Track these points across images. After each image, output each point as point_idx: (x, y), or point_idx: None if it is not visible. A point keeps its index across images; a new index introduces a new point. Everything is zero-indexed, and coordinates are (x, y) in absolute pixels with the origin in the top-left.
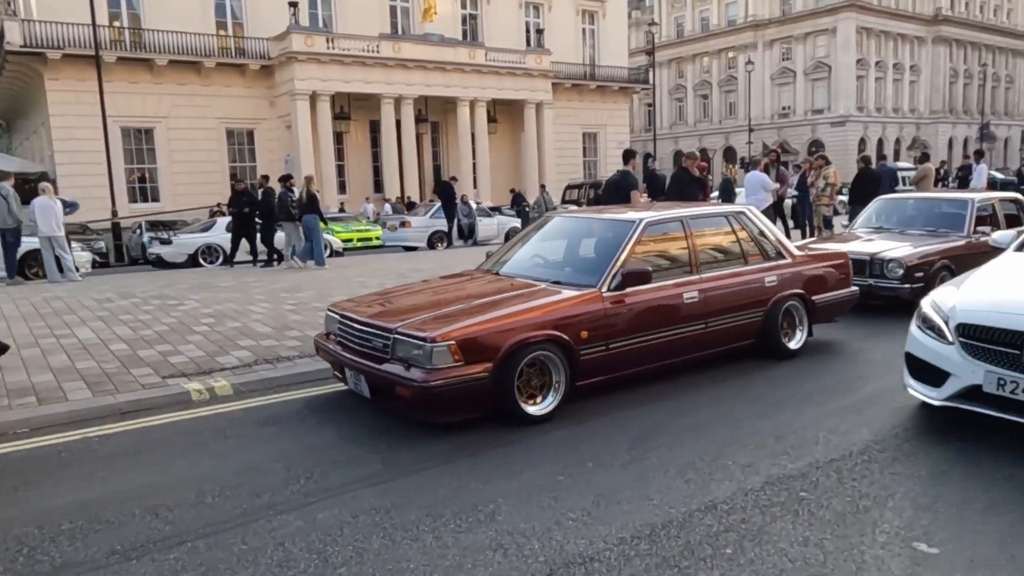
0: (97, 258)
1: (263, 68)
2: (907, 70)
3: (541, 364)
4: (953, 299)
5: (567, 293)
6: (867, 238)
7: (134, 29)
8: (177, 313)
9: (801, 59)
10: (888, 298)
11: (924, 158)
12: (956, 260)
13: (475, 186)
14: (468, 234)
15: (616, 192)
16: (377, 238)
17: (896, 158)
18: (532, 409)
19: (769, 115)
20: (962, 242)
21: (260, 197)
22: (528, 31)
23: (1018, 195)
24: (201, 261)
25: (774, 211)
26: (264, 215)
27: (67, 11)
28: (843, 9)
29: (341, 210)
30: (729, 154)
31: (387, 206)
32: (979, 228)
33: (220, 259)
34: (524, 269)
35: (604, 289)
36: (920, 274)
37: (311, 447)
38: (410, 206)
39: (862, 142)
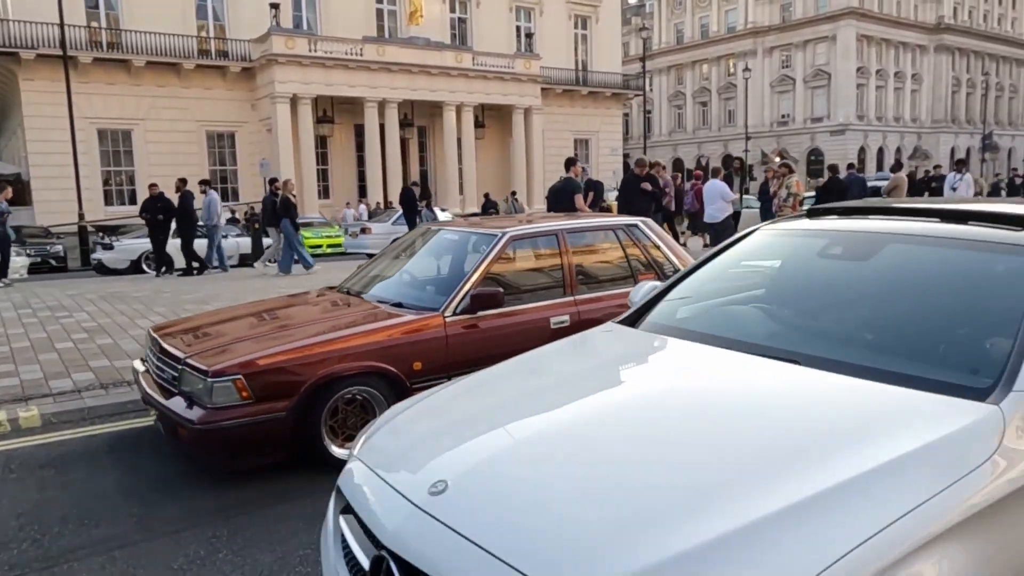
0: (53, 262)
1: (244, 70)
2: (908, 78)
3: (364, 401)
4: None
5: (405, 318)
6: None
7: (112, 29)
8: (55, 326)
9: (801, 67)
10: None
11: (897, 167)
12: None
13: (461, 192)
14: None
15: (559, 199)
16: None
17: (897, 167)
18: (346, 453)
19: (768, 123)
20: None
21: (177, 202)
22: (519, 36)
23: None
24: (144, 267)
25: (735, 221)
26: (182, 221)
27: (42, 11)
28: (843, 16)
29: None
30: (727, 162)
31: (349, 212)
32: None
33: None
34: (382, 288)
35: (448, 313)
36: None
37: (75, 497)
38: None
39: (862, 151)
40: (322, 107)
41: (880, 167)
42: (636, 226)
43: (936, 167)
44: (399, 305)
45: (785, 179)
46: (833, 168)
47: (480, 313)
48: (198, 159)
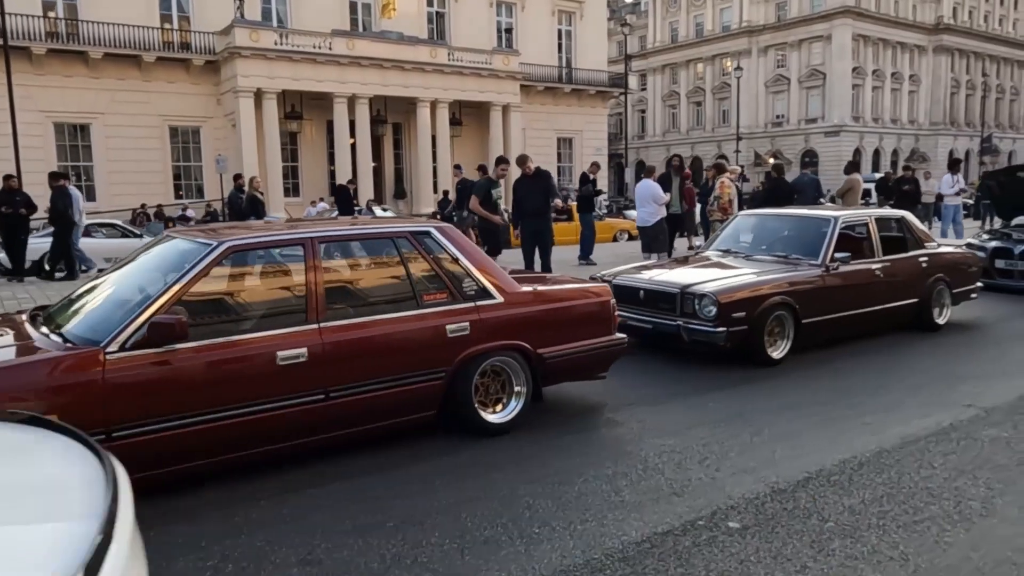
0: None
1: (209, 64)
2: (906, 79)
3: None
4: None
5: (48, 354)
6: (701, 264)
7: (70, 20)
8: None
9: (796, 66)
10: (702, 345)
11: (851, 168)
12: (801, 297)
13: (435, 191)
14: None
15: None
16: None
17: (852, 169)
18: None
19: (763, 123)
20: (812, 273)
21: (51, 198)
22: (500, 31)
23: (905, 214)
24: (46, 267)
25: (671, 226)
26: (53, 219)
27: None
28: (838, 16)
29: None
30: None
31: (312, 210)
32: (838, 255)
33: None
34: (70, 315)
35: (114, 348)
36: (741, 314)
37: None
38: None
39: (857, 152)
40: (290, 102)
41: (876, 169)
42: (427, 234)
43: (905, 168)
44: (62, 338)
45: (714, 179)
46: (778, 169)
47: (171, 347)
48: (160, 155)
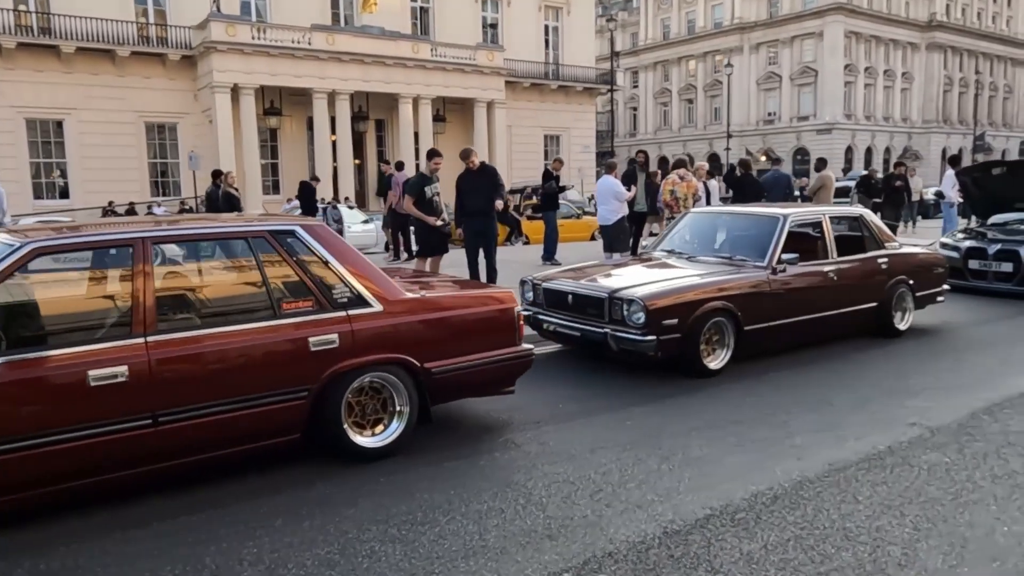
0: None
1: (185, 59)
2: (899, 77)
3: None
4: None
5: None
6: (639, 266)
7: (42, 13)
8: None
9: (788, 64)
10: (631, 355)
11: (821, 164)
12: (743, 302)
13: None
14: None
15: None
16: None
17: (822, 165)
18: None
19: (754, 121)
20: (757, 275)
21: None
22: (485, 27)
23: (864, 211)
24: None
25: (632, 224)
26: None
27: None
28: (830, 12)
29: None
30: (711, 161)
31: (287, 207)
32: (786, 256)
33: None
34: None
35: None
36: (673, 321)
37: None
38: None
39: (849, 150)
40: (269, 98)
41: (868, 167)
42: (290, 233)
43: (897, 165)
44: None
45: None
46: (745, 164)
47: None
48: (136, 151)
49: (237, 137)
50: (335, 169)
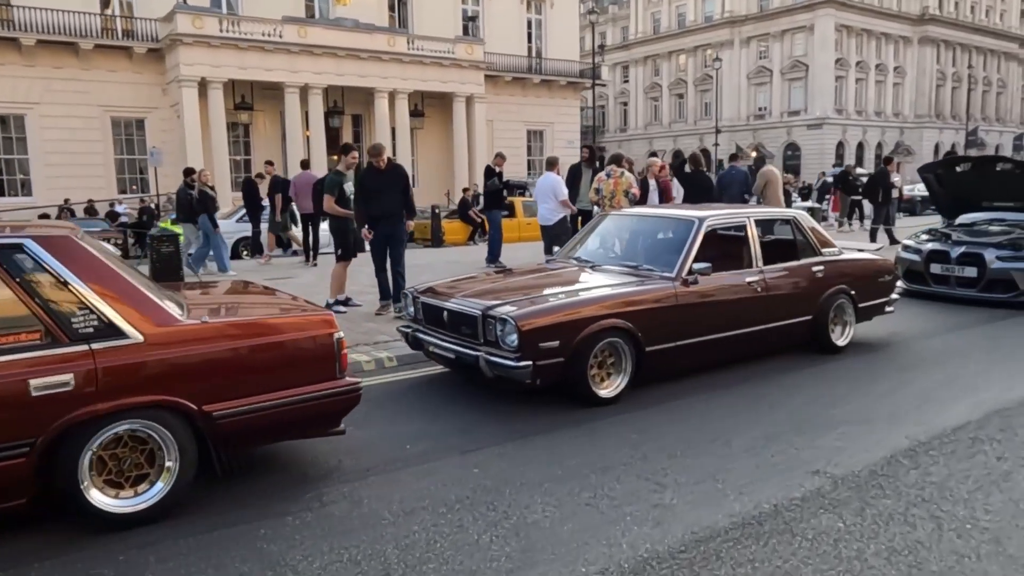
0: None
1: (152, 52)
2: (891, 71)
3: None
4: None
5: None
6: (534, 276)
7: (1, 4)
8: None
9: (778, 58)
10: (508, 382)
11: (762, 161)
12: (645, 320)
13: None
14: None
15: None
16: None
17: (761, 163)
18: None
19: (745, 116)
20: (662, 288)
21: None
22: (466, 20)
23: (799, 213)
24: None
25: (574, 225)
26: None
27: None
28: (821, 6)
29: None
30: (705, 156)
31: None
32: (697, 266)
33: None
34: None
35: None
36: (554, 344)
37: None
38: None
39: (840, 145)
40: (240, 92)
41: (860, 163)
42: (18, 248)
43: (887, 161)
44: None
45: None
46: (695, 160)
47: None
48: (102, 147)
49: (205, 132)
50: (307, 164)
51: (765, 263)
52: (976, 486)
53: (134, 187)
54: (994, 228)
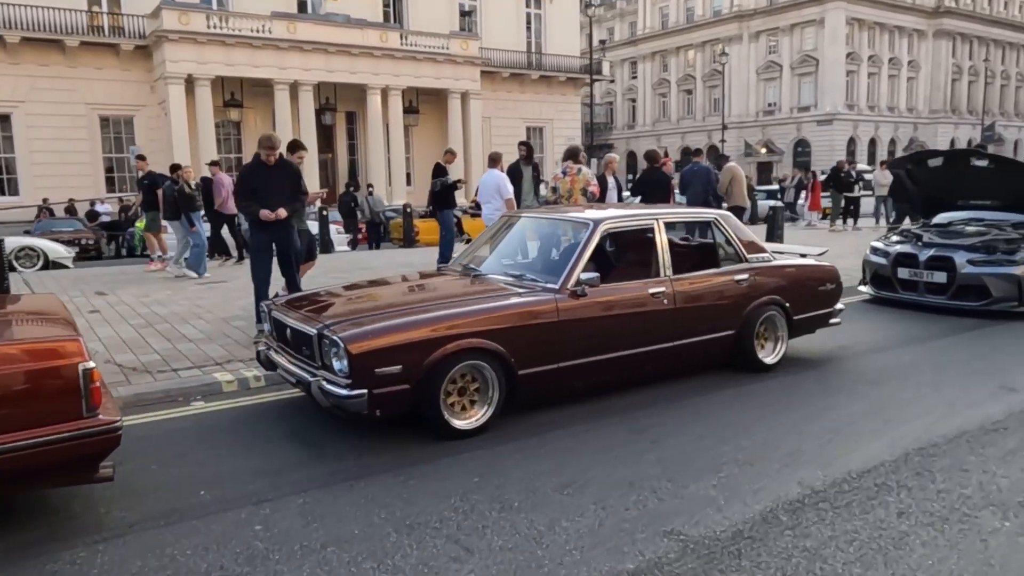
0: None
1: (140, 49)
2: (904, 65)
3: None
4: None
5: None
6: (395, 287)
7: None
8: None
9: (788, 52)
10: (346, 412)
11: (724, 159)
12: (517, 339)
13: (389, 183)
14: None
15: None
16: None
17: (724, 159)
18: None
19: (754, 112)
20: (541, 302)
21: None
22: (462, 14)
23: (721, 214)
24: None
25: None
26: None
27: None
28: None
29: None
30: (711, 154)
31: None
32: (585, 276)
33: None
34: None
35: None
36: (395, 369)
37: None
38: None
39: (852, 142)
40: (230, 89)
41: (871, 160)
42: None
43: (883, 163)
44: None
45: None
46: (651, 157)
47: None
48: (89, 145)
49: (192, 130)
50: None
51: (679, 271)
52: (857, 555)
53: (124, 187)
54: (970, 228)
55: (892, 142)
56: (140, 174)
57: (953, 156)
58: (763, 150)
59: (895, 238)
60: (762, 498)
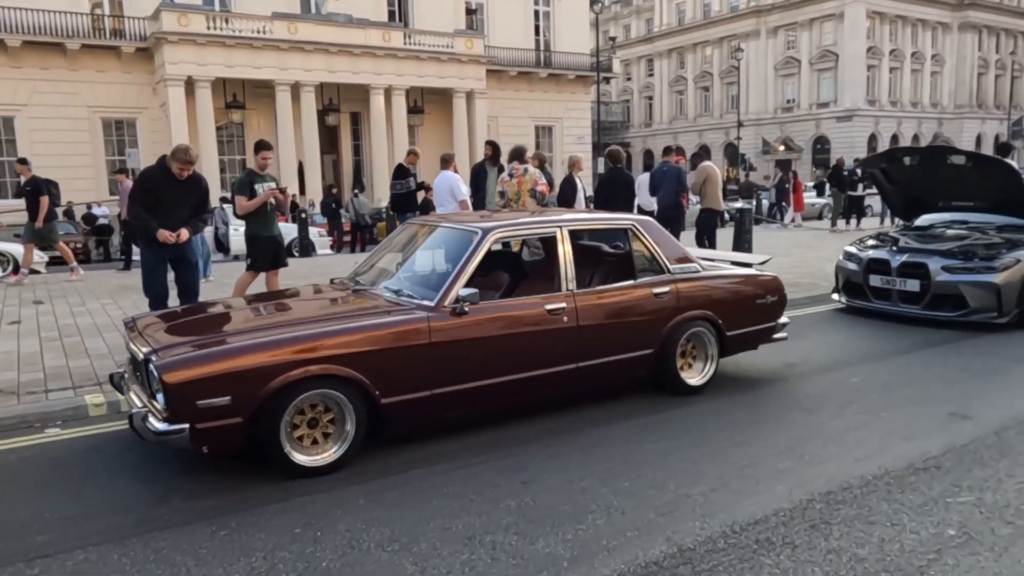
0: None
1: (141, 51)
2: (928, 59)
3: None
4: None
5: None
6: (262, 307)
7: None
8: None
9: (807, 47)
10: (171, 448)
11: (700, 156)
12: (379, 364)
13: None
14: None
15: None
16: None
17: (703, 156)
18: None
19: (772, 108)
20: (412, 322)
21: None
22: (468, 13)
23: (639, 220)
24: None
25: None
26: None
27: None
28: None
29: None
30: (729, 151)
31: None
32: (464, 293)
33: None
34: None
35: None
36: (224, 401)
37: None
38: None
39: (873, 138)
40: (232, 91)
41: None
42: None
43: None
44: None
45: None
46: (614, 156)
47: None
48: (91, 148)
49: (192, 132)
50: (300, 164)
51: (589, 284)
52: None
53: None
54: (951, 232)
55: (915, 138)
56: (22, 180)
57: (929, 153)
58: (781, 147)
59: (871, 242)
60: (614, 559)
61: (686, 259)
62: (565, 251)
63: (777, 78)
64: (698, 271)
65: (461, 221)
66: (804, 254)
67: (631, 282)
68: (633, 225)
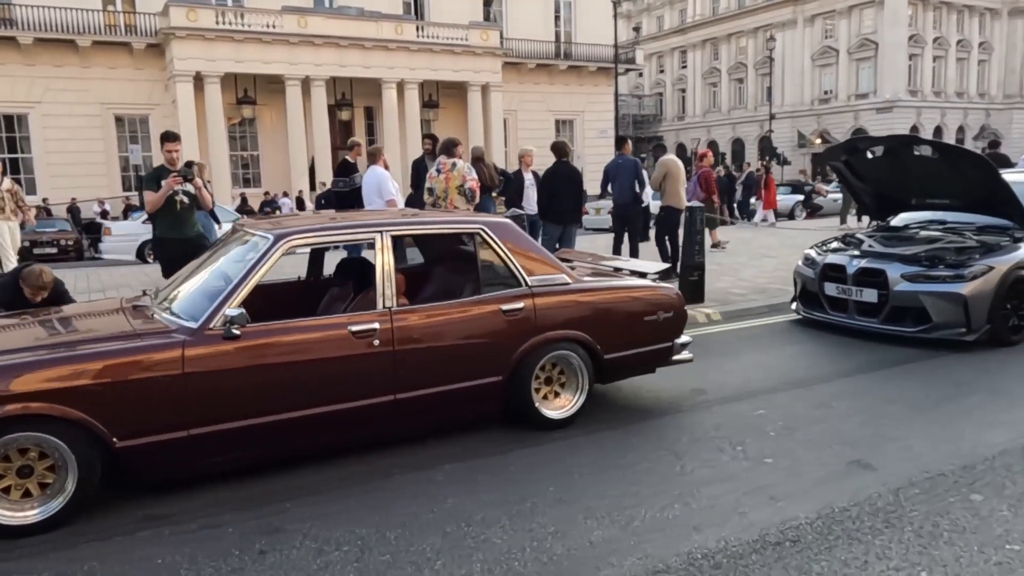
0: None
1: (152, 47)
2: (975, 48)
3: None
4: None
5: None
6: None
7: (1, 4)
8: None
9: (845, 36)
10: None
11: (660, 150)
12: (109, 401)
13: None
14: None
15: None
16: None
17: (660, 151)
18: None
19: (809, 100)
20: (162, 348)
21: None
22: (487, 4)
23: (489, 223)
24: None
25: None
26: None
27: None
28: None
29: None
30: (764, 144)
31: (286, 200)
32: (231, 313)
33: None
34: None
35: None
36: None
37: None
38: (299, 203)
39: (914, 130)
40: (243, 86)
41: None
42: None
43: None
44: None
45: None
46: (559, 149)
47: None
48: (104, 145)
49: (202, 129)
50: (312, 160)
51: (422, 299)
52: None
53: (136, 185)
54: (924, 234)
55: (960, 130)
56: None
57: (893, 144)
58: (817, 140)
59: (833, 244)
60: None
61: (551, 269)
62: (384, 261)
63: (814, 68)
64: (566, 284)
65: (258, 226)
66: (794, 256)
67: (474, 298)
68: (482, 229)
